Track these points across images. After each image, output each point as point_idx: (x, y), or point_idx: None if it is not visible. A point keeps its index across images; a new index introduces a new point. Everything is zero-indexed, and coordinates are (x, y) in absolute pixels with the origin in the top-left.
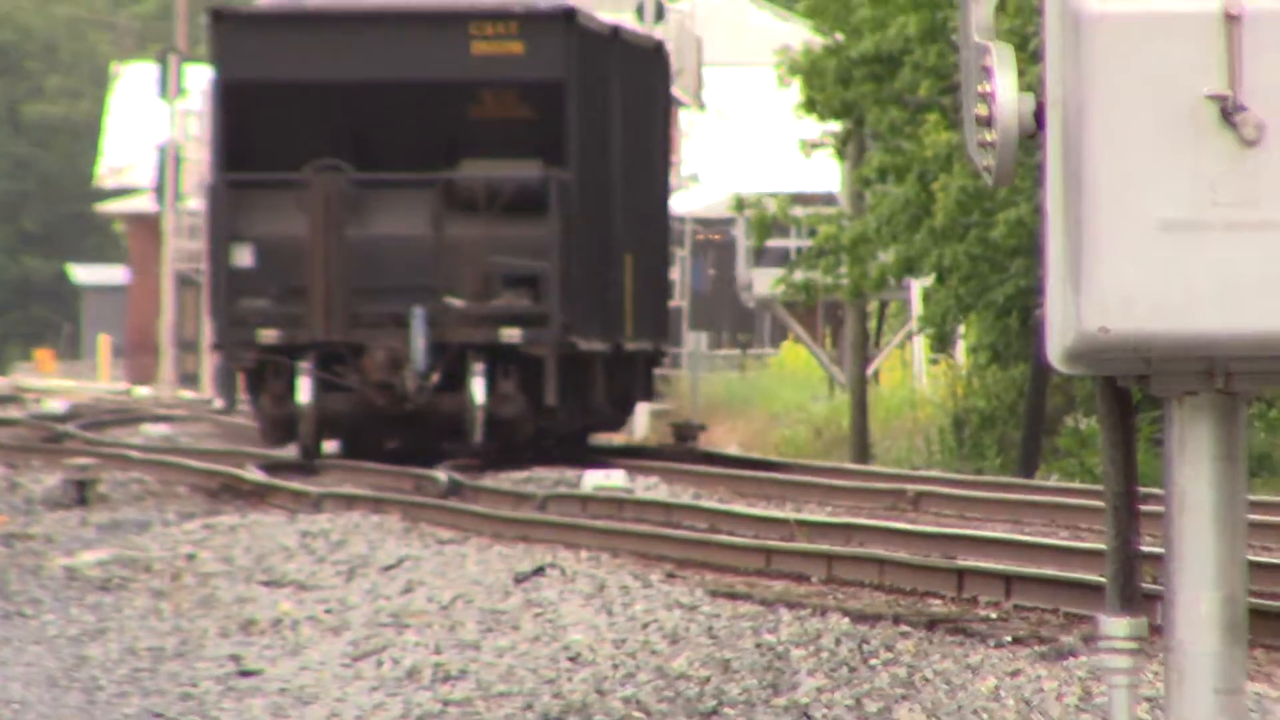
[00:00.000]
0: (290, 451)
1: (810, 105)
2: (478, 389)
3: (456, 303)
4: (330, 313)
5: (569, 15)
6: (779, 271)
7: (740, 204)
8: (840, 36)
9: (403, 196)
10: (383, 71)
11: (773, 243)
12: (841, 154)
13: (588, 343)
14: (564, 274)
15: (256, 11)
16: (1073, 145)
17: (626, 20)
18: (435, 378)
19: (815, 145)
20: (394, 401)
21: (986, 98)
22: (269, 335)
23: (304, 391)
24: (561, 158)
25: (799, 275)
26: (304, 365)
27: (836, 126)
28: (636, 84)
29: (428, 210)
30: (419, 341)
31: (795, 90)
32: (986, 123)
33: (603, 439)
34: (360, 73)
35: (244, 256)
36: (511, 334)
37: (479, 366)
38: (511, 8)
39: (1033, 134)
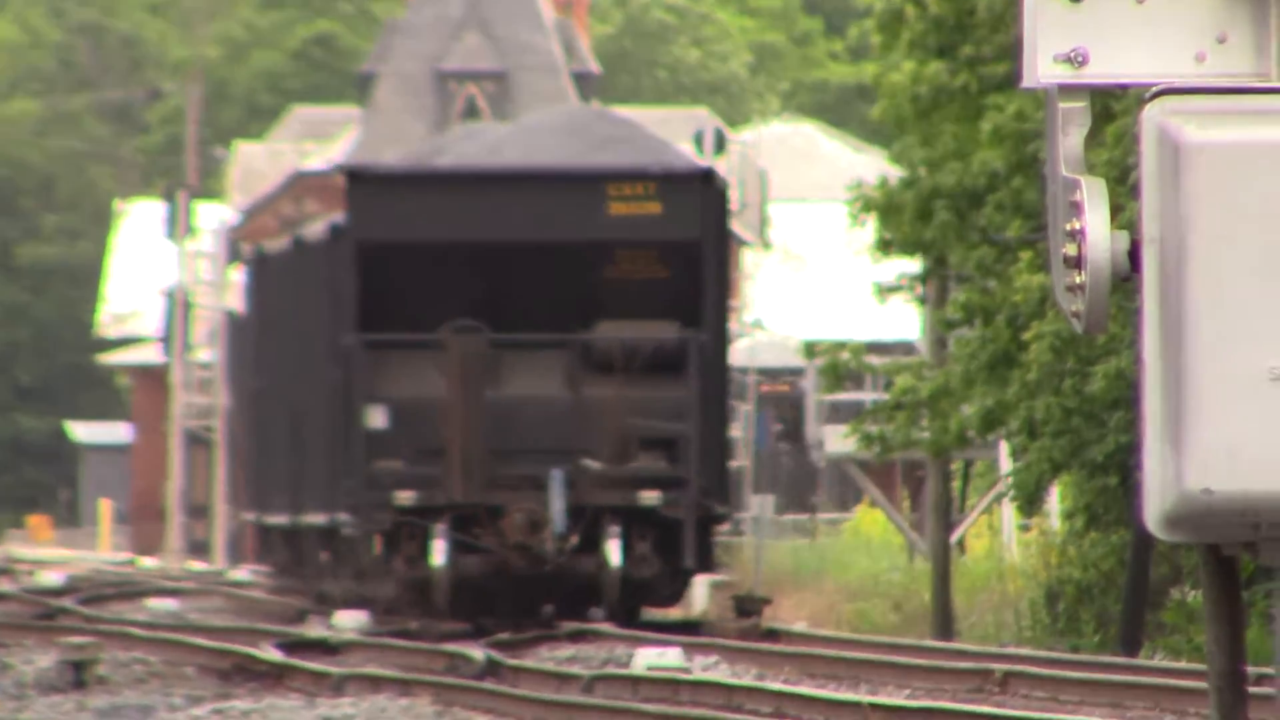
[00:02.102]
0: (336, 623)
1: (885, 245)
2: (613, 551)
3: (594, 465)
4: (468, 474)
5: (707, 176)
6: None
7: (810, 351)
8: (922, 170)
9: (539, 357)
10: (518, 232)
11: (846, 396)
12: (920, 299)
13: (720, 505)
14: (702, 436)
15: (392, 172)
16: (1172, 288)
17: (685, 150)
18: (574, 540)
19: (891, 290)
20: (533, 563)
21: (1076, 236)
22: (405, 497)
23: (439, 554)
24: (697, 318)
25: (872, 428)
26: (439, 527)
27: (914, 266)
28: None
29: (564, 371)
30: (558, 503)
31: (870, 230)
32: (1075, 264)
33: (656, 613)
34: (495, 233)
35: (378, 418)
36: (650, 496)
37: (614, 528)
38: (649, 168)
39: (1127, 276)
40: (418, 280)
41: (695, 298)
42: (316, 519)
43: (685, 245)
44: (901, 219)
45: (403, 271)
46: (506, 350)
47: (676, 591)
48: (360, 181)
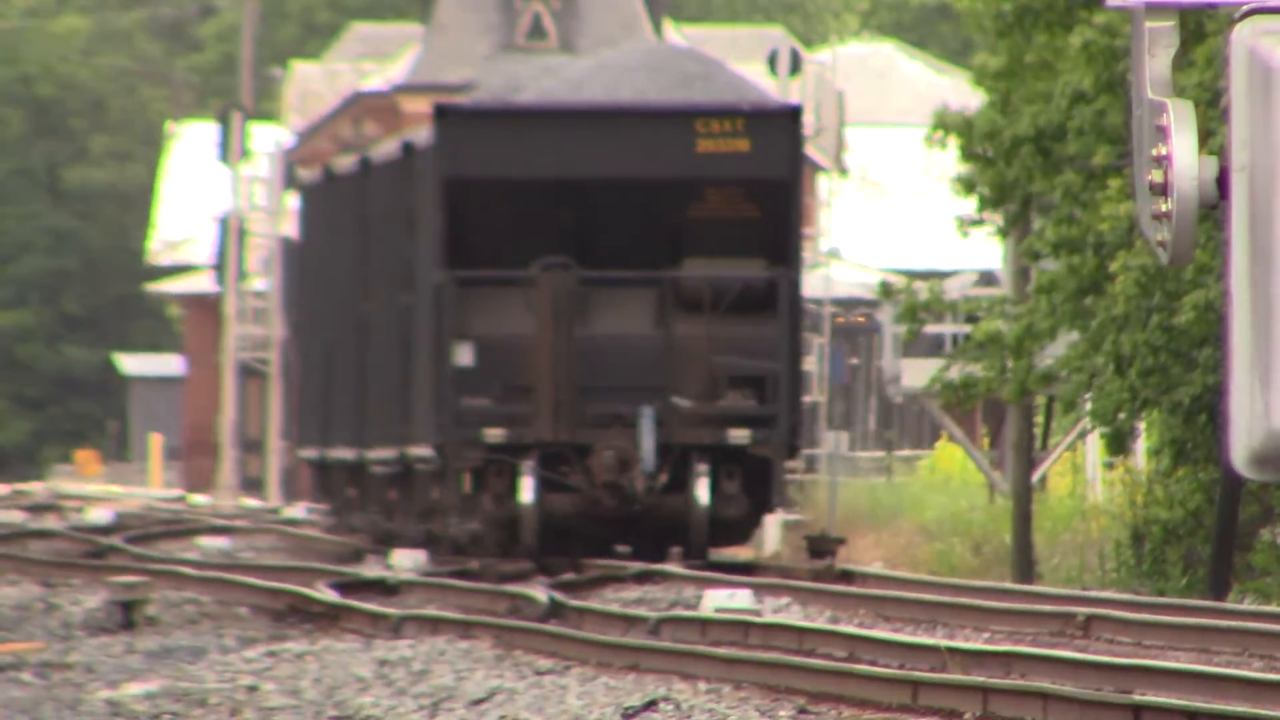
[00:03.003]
0: (394, 563)
1: (970, 188)
2: (702, 490)
3: (684, 403)
4: (557, 412)
5: (796, 113)
6: (931, 362)
7: (886, 290)
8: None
9: (628, 295)
10: (606, 169)
11: (924, 329)
12: (1003, 232)
13: (799, 443)
14: (790, 374)
15: (481, 108)
16: (1261, 217)
17: (758, 73)
18: (663, 478)
19: (974, 223)
20: (622, 502)
21: (1162, 162)
22: (495, 434)
23: (527, 492)
24: (786, 255)
25: (955, 371)
26: (527, 465)
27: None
28: None
29: (653, 309)
30: (648, 442)
31: (950, 154)
32: (1162, 191)
33: (726, 553)
34: (583, 170)
35: (464, 355)
36: (740, 434)
37: (702, 467)
38: (738, 105)
39: (1215, 204)
40: (503, 216)
41: (783, 235)
42: (344, 454)
43: (773, 183)
44: (981, 145)
45: (490, 208)
46: (595, 288)
47: (751, 530)
48: (448, 117)
